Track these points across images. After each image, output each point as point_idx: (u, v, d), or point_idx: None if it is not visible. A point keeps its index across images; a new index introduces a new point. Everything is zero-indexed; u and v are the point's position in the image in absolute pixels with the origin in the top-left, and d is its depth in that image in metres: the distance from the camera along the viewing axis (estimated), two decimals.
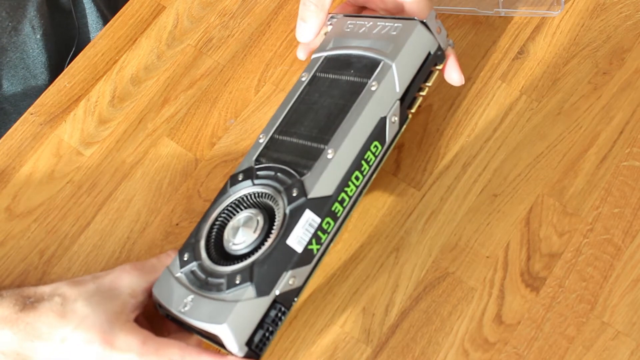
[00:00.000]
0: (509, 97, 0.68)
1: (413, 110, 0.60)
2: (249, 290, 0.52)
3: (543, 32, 0.71)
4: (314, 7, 0.62)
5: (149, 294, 0.58)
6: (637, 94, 0.68)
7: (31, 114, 0.70)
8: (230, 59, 0.72)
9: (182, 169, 0.67)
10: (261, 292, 0.52)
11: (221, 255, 0.56)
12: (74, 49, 0.83)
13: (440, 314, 0.61)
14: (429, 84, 0.61)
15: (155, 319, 0.59)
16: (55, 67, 0.82)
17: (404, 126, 0.60)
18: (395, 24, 0.60)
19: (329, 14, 0.64)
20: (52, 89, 0.71)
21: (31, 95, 0.77)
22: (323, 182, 0.55)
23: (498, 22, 0.72)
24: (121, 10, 0.74)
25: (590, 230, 0.63)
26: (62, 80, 0.71)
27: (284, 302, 0.54)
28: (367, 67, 0.59)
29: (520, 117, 0.67)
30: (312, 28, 0.63)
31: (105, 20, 0.84)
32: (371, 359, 0.60)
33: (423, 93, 0.60)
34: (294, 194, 0.55)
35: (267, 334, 0.53)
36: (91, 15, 0.84)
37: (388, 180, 0.65)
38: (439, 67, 0.61)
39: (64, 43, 0.83)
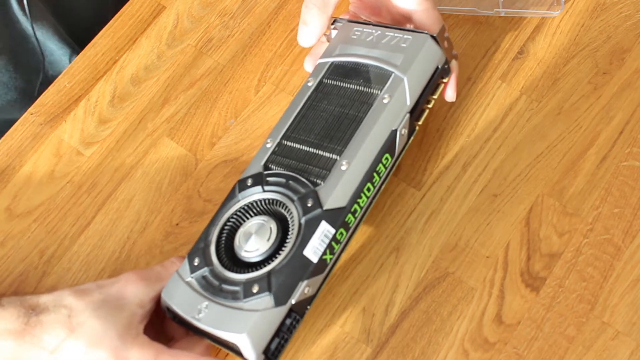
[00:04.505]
0: (509, 97, 0.68)
1: (420, 122, 0.61)
2: (267, 299, 0.53)
3: (543, 32, 0.71)
4: (316, 10, 0.60)
5: (156, 303, 0.58)
6: (637, 94, 0.68)
7: (31, 114, 0.70)
8: (230, 59, 0.72)
9: (182, 169, 0.67)
10: (279, 301, 0.53)
11: (232, 260, 0.56)
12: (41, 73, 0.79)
13: (440, 314, 0.61)
14: (435, 96, 0.62)
15: (159, 321, 0.59)
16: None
17: (412, 137, 0.60)
18: (405, 36, 0.60)
19: (333, 17, 0.64)
20: (52, 89, 0.71)
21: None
22: (338, 193, 0.55)
23: (498, 22, 0.71)
24: (121, 10, 0.74)
25: (590, 230, 0.63)
26: (62, 80, 0.71)
27: (299, 310, 0.54)
28: (378, 78, 0.59)
29: (520, 117, 0.67)
30: (314, 31, 0.61)
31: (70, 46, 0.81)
32: (371, 359, 0.60)
33: (430, 105, 0.61)
34: (309, 205, 0.55)
35: (282, 342, 0.54)
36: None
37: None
38: (445, 80, 0.62)
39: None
